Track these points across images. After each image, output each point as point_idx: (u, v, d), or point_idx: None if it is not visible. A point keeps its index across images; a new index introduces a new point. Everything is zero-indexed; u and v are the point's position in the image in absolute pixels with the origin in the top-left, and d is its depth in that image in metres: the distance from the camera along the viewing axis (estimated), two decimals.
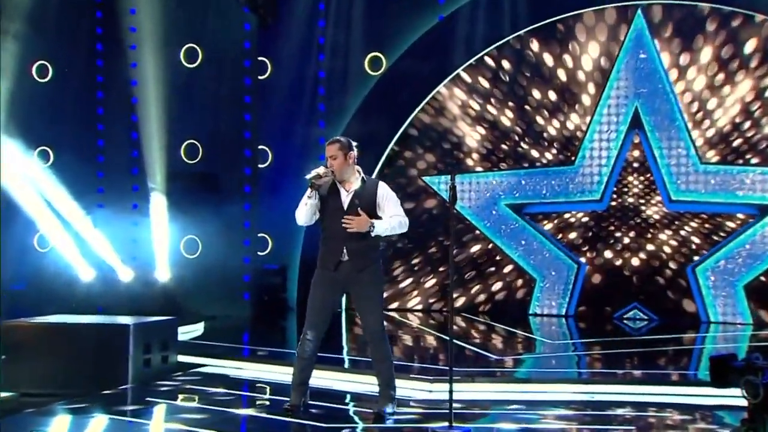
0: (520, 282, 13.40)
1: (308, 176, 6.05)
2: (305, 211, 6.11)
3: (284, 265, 13.87)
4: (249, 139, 13.45)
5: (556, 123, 13.15)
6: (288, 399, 6.26)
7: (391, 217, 6.15)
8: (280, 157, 13.87)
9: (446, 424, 5.82)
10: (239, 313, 12.99)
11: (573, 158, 13.12)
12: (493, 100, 13.38)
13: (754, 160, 12.31)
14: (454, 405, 5.92)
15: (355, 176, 6.19)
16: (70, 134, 12.98)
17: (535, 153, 13.25)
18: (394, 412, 6.19)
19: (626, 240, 12.93)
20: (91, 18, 13.38)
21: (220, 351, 9.37)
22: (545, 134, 13.17)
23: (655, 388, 7.38)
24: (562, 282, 13.19)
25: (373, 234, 6.08)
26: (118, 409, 6.61)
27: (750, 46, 12.29)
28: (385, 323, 6.28)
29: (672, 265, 12.73)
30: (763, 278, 12.28)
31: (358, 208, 6.05)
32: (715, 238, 12.52)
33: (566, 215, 13.17)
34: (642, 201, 12.87)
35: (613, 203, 12.97)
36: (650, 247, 12.82)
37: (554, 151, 13.17)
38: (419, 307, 13.71)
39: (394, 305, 13.68)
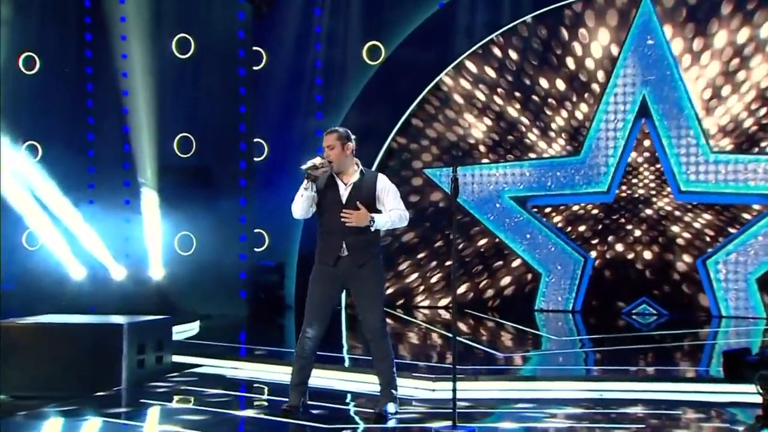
0: (525, 277, 13.40)
1: (304, 166, 6.04)
2: (301, 204, 6.11)
3: (281, 261, 13.86)
4: (244, 132, 13.42)
5: (563, 113, 13.12)
6: (287, 399, 6.26)
7: (391, 211, 6.14)
8: (276, 150, 13.85)
9: (450, 423, 5.82)
10: (236, 312, 12.98)
11: (579, 149, 13.11)
12: (495, 89, 13.36)
13: None
14: (458, 404, 5.91)
15: (353, 168, 6.18)
16: (59, 128, 12.96)
17: (541, 144, 13.23)
18: (396, 412, 6.19)
19: (635, 233, 12.93)
20: (79, 7, 13.35)
21: (216, 351, 9.37)
22: (553, 124, 13.15)
23: (666, 385, 7.39)
24: (569, 276, 13.19)
25: (372, 228, 6.07)
26: (112, 412, 6.61)
27: (767, 29, 12.25)
28: (386, 320, 6.27)
29: (682, 258, 12.72)
30: None
31: (357, 202, 6.05)
32: (727, 229, 12.50)
33: (575, 207, 13.16)
34: (650, 192, 12.86)
35: (621, 195, 12.96)
36: (659, 239, 12.82)
37: (561, 141, 13.15)
38: (425, 303, 13.71)
39: (399, 302, 13.68)
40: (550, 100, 13.13)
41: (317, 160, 6.07)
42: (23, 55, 13.00)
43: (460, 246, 13.46)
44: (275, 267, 13.85)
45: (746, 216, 12.43)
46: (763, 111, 12.30)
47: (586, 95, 13.02)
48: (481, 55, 13.38)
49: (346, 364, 8.71)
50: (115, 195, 12.96)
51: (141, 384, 7.52)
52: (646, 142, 12.85)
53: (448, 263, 13.38)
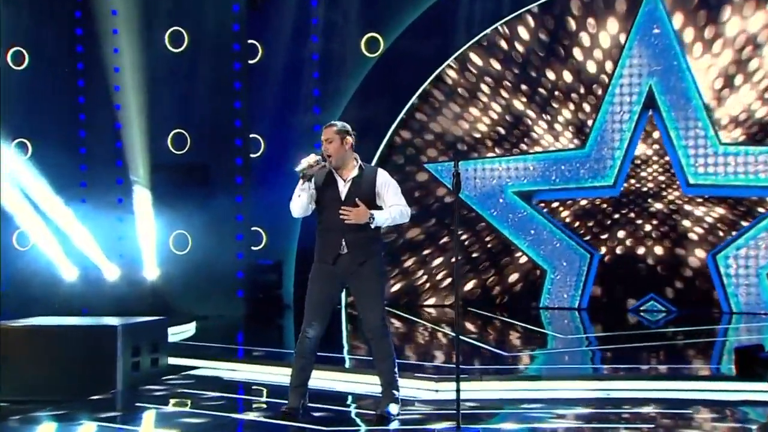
0: (532, 273, 13.40)
1: (298, 168, 6.03)
2: (300, 203, 6.10)
3: (280, 260, 13.87)
4: (240, 128, 13.41)
5: (570, 105, 13.10)
6: (286, 401, 6.25)
7: (392, 207, 6.13)
8: (273, 146, 13.85)
9: (454, 425, 5.81)
10: (233, 312, 12.98)
11: (584, 141, 13.11)
12: (501, 81, 13.35)
13: None
14: (462, 405, 5.90)
15: (352, 163, 6.18)
16: (50, 125, 12.94)
17: (548, 138, 13.22)
18: (399, 413, 6.19)
19: (643, 227, 12.92)
20: (69, 1, 13.33)
21: (213, 352, 9.37)
22: (560, 117, 13.13)
23: (676, 384, 7.38)
24: (574, 273, 13.19)
25: (372, 225, 6.06)
26: (107, 416, 6.60)
27: None
28: (386, 319, 6.26)
29: (691, 252, 12.72)
30: None
31: (356, 198, 6.04)
32: (737, 223, 12.49)
33: (583, 202, 13.16)
34: (658, 186, 12.85)
35: (627, 189, 12.95)
36: (668, 234, 12.81)
37: (568, 135, 13.13)
38: (431, 301, 13.71)
39: (405, 300, 13.69)
40: (556, 92, 13.11)
41: (311, 158, 6.06)
42: (11, 50, 12.98)
43: (467, 242, 13.48)
44: (273, 266, 13.85)
45: (761, 210, 12.40)
46: None
47: (594, 86, 12.99)
48: (486, 47, 13.36)
49: (347, 364, 8.71)
50: (107, 193, 12.95)
51: (136, 387, 7.52)
52: (654, 135, 12.83)
53: (454, 259, 13.35)
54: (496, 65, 13.35)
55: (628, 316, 12.54)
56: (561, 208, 13.26)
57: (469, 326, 11.36)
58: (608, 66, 12.93)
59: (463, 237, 13.50)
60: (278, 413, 6.24)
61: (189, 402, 7.19)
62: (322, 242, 6.18)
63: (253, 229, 13.67)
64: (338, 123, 6.23)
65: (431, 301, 13.72)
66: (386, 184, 6.17)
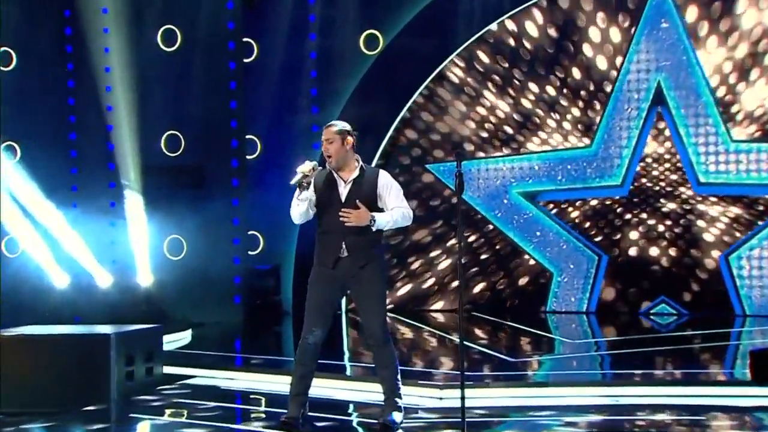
0: (537, 277, 13.39)
1: (293, 181, 6.03)
2: (299, 211, 6.11)
3: (278, 264, 13.86)
4: (236, 129, 13.41)
5: (579, 103, 13.08)
6: (285, 411, 6.24)
7: (393, 209, 6.13)
8: (270, 147, 13.85)
9: None
10: (230, 319, 12.98)
11: (590, 140, 13.10)
12: (508, 79, 13.35)
13: None
14: (467, 413, 5.90)
15: (353, 164, 6.18)
16: (39, 127, 12.92)
17: (556, 137, 13.21)
18: (402, 422, 6.18)
19: (652, 228, 12.90)
20: None
21: (209, 360, 9.38)
22: (568, 116, 13.13)
23: (688, 389, 7.38)
24: (582, 275, 13.18)
25: (373, 228, 6.06)
26: (100, 427, 6.60)
27: None
28: (388, 324, 6.26)
29: (703, 253, 12.70)
30: None
31: (357, 200, 6.04)
32: (753, 223, 12.47)
33: (593, 202, 13.14)
34: (667, 185, 12.84)
35: (636, 188, 12.94)
36: (678, 235, 12.80)
37: (577, 134, 13.12)
38: (439, 305, 13.70)
39: (412, 303, 13.68)
40: (565, 90, 13.11)
41: (306, 167, 6.05)
42: None
43: (475, 244, 13.49)
44: (271, 270, 13.84)
45: None
46: None
47: (602, 83, 12.97)
48: (491, 43, 13.36)
49: (348, 372, 8.71)
50: (99, 197, 12.93)
51: (130, 397, 7.51)
52: (663, 132, 12.81)
53: (462, 261, 13.34)
54: (503, 63, 13.34)
55: (638, 319, 12.52)
56: (570, 209, 13.23)
57: (474, 331, 11.34)
58: (615, 62, 12.91)
59: (471, 239, 13.51)
60: (278, 423, 6.23)
61: (185, 412, 7.19)
62: (321, 245, 6.17)
63: (249, 232, 13.66)
64: (339, 123, 6.23)
65: (439, 304, 13.70)
66: (388, 186, 6.17)
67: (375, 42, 13.74)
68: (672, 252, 12.83)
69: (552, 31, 13.12)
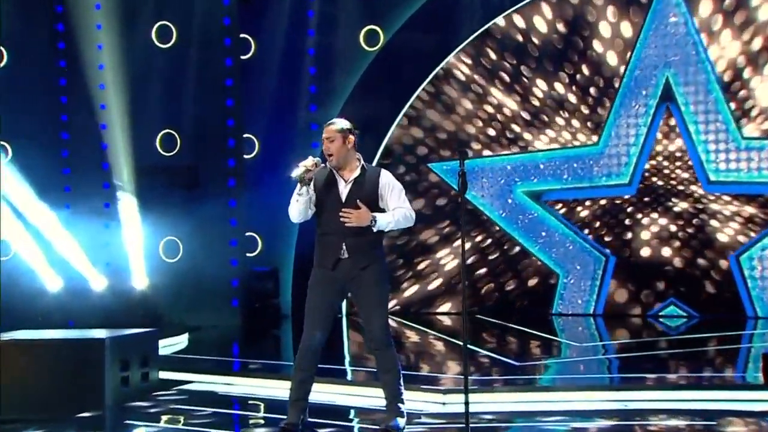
0: (543, 278, 13.39)
1: (294, 174, 6.02)
2: (298, 208, 6.09)
3: (276, 266, 13.86)
4: (232, 127, 13.41)
5: (588, 100, 13.07)
6: (285, 417, 6.24)
7: (395, 210, 6.13)
8: (267, 147, 13.85)
9: None
10: (227, 323, 12.98)
11: (597, 137, 13.09)
12: (516, 77, 13.34)
13: None
14: (471, 418, 5.89)
15: (354, 164, 6.17)
16: (31, 127, 12.91)
17: (565, 135, 13.20)
18: (404, 427, 6.17)
19: (660, 228, 12.89)
20: None
21: (206, 365, 9.38)
22: (577, 113, 13.12)
23: (698, 394, 7.37)
24: (589, 277, 13.17)
25: (374, 229, 6.06)
26: None
27: None
28: (391, 328, 6.25)
29: (713, 254, 12.69)
30: None
31: (358, 200, 6.03)
32: (765, 222, 12.45)
33: (603, 201, 13.13)
34: (677, 184, 12.83)
35: (644, 187, 12.93)
36: (688, 235, 12.78)
37: (587, 131, 13.11)
38: (446, 307, 13.68)
39: (417, 305, 13.68)
40: (574, 87, 13.10)
41: (308, 162, 6.05)
42: None
43: (483, 245, 13.48)
44: (270, 273, 13.83)
45: None
46: None
47: (614, 80, 12.96)
48: (500, 40, 13.35)
49: (349, 377, 8.70)
50: (93, 198, 12.93)
51: (125, 404, 7.50)
52: (672, 129, 12.80)
53: (469, 261, 13.39)
54: (511, 59, 13.33)
55: (646, 322, 12.51)
56: (579, 208, 13.21)
57: (480, 335, 11.34)
58: (625, 58, 12.88)
59: (478, 239, 13.50)
60: (277, 430, 6.23)
61: (181, 419, 7.18)
62: (321, 246, 6.17)
63: (247, 234, 13.65)
64: (340, 121, 6.22)
65: (446, 306, 13.68)
66: (389, 186, 6.16)
67: (375, 38, 13.74)
68: (681, 252, 12.81)
69: (561, 27, 13.12)
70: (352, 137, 6.15)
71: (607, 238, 13.12)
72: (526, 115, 13.33)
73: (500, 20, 13.31)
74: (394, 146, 13.72)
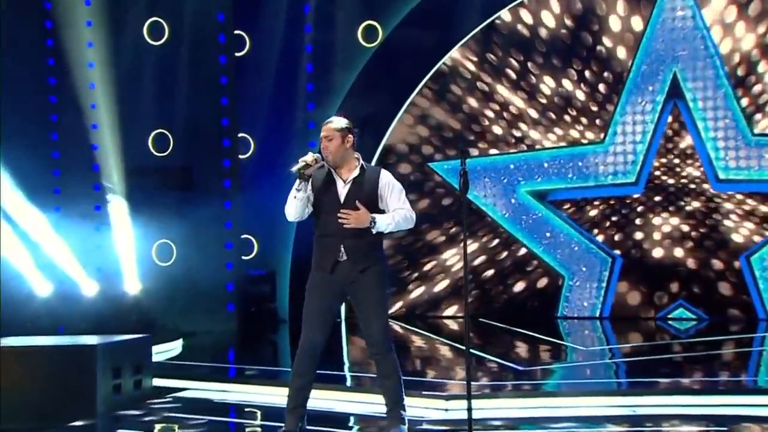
0: (548, 280, 13.39)
1: (294, 168, 6.01)
2: (295, 206, 6.08)
3: (273, 270, 13.86)
4: (227, 127, 13.41)
5: (597, 96, 13.07)
6: (282, 425, 6.23)
7: (395, 211, 6.11)
8: (263, 146, 13.85)
9: None
10: (223, 328, 12.98)
11: (602, 135, 13.09)
12: (522, 74, 13.35)
13: None
14: (474, 425, 5.88)
15: (353, 163, 6.16)
16: (19, 127, 12.87)
17: (573, 133, 13.20)
18: None
19: (669, 228, 12.89)
20: None
21: (202, 372, 9.37)
22: (577, 109, 13.13)
23: (708, 399, 7.36)
24: (595, 279, 13.17)
25: (374, 230, 6.04)
26: None
27: None
28: (391, 332, 6.23)
29: (722, 255, 12.68)
30: None
31: (357, 201, 6.02)
32: None
33: (612, 201, 13.13)
34: (685, 182, 12.82)
35: (652, 186, 12.92)
36: (696, 235, 12.78)
37: (595, 129, 13.11)
38: (452, 310, 13.68)
39: (423, 308, 13.68)
40: (582, 84, 13.09)
41: (308, 158, 6.05)
42: None
43: (490, 245, 13.48)
44: (266, 276, 13.85)
45: None
46: None
47: (624, 75, 12.97)
48: (506, 35, 13.35)
49: (349, 383, 8.69)
50: (83, 200, 12.92)
51: (118, 412, 7.49)
52: (679, 126, 12.80)
53: (476, 263, 13.40)
54: (517, 55, 13.34)
55: (654, 324, 12.51)
56: (587, 207, 13.21)
57: (483, 339, 11.33)
58: (632, 53, 12.87)
59: (484, 239, 13.50)
60: None
61: (175, 427, 7.17)
62: (319, 249, 6.15)
63: (243, 236, 13.66)
64: (339, 119, 6.21)
65: (452, 309, 13.67)
66: (389, 186, 6.15)
67: (374, 33, 13.74)
68: (690, 253, 12.81)
69: (569, 21, 13.11)
70: (351, 136, 6.14)
71: (613, 239, 13.10)
72: (533, 113, 13.33)
73: (506, 14, 13.32)
74: (396, 145, 13.72)
